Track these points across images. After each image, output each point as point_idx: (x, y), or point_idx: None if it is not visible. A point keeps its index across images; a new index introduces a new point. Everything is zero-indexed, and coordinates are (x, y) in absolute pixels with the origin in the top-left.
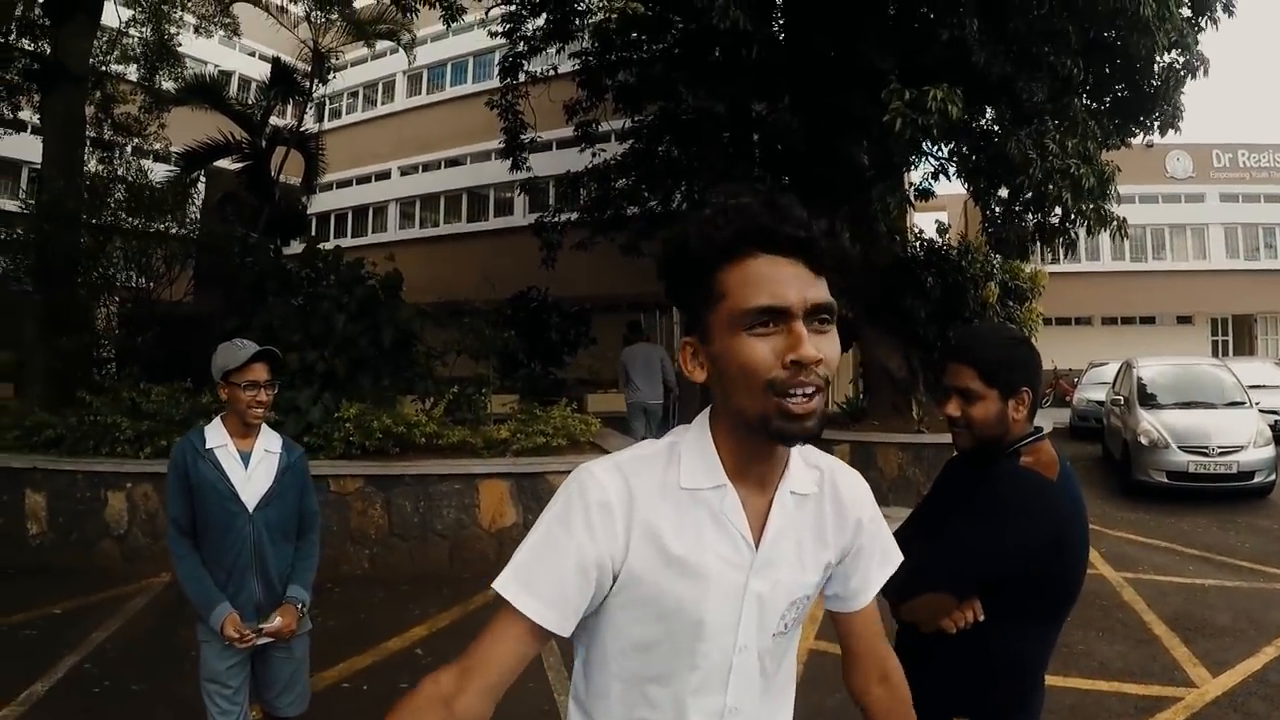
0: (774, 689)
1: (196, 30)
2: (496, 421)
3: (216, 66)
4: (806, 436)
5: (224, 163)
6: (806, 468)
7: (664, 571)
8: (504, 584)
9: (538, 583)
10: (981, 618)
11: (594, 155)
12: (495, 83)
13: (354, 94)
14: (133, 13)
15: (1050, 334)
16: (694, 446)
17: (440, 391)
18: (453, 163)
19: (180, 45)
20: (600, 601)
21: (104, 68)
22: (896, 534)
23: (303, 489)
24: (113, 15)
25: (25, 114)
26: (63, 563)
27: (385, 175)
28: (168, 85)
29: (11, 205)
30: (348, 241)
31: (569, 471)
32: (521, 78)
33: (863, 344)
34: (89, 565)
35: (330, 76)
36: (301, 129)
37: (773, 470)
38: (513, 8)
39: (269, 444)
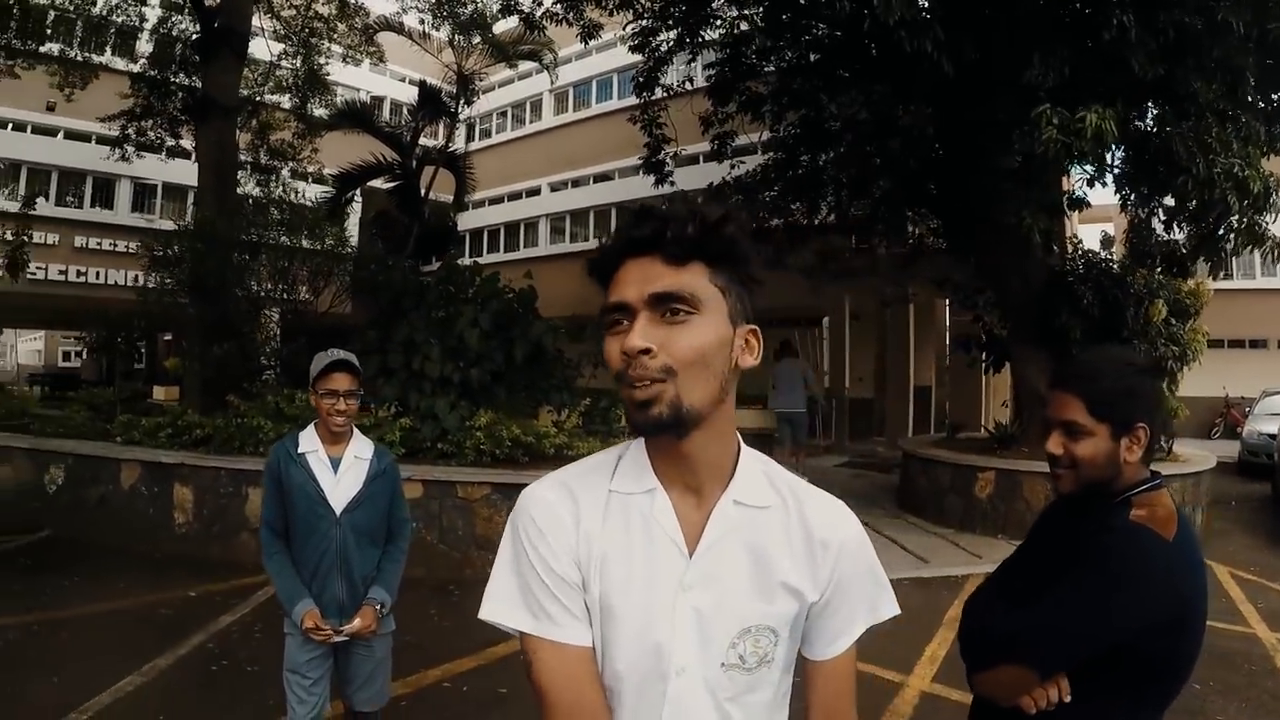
0: None
1: (344, 59)
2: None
3: (368, 93)
4: (651, 425)
5: (377, 182)
6: (764, 484)
7: (600, 576)
8: (504, 613)
9: (535, 603)
10: (1067, 699)
11: (732, 167)
12: (637, 99)
13: (503, 114)
14: (283, 47)
15: (1221, 357)
16: (633, 453)
17: (574, 404)
18: (601, 178)
19: (329, 74)
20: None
21: (258, 98)
22: (981, 588)
23: (392, 495)
24: (265, 49)
25: (186, 142)
26: (203, 552)
27: (536, 192)
28: (320, 112)
29: (170, 225)
30: (500, 257)
31: None
32: (658, 92)
33: (1014, 365)
34: (226, 555)
35: (476, 97)
36: (450, 149)
37: (704, 476)
38: (645, 23)
39: (359, 450)
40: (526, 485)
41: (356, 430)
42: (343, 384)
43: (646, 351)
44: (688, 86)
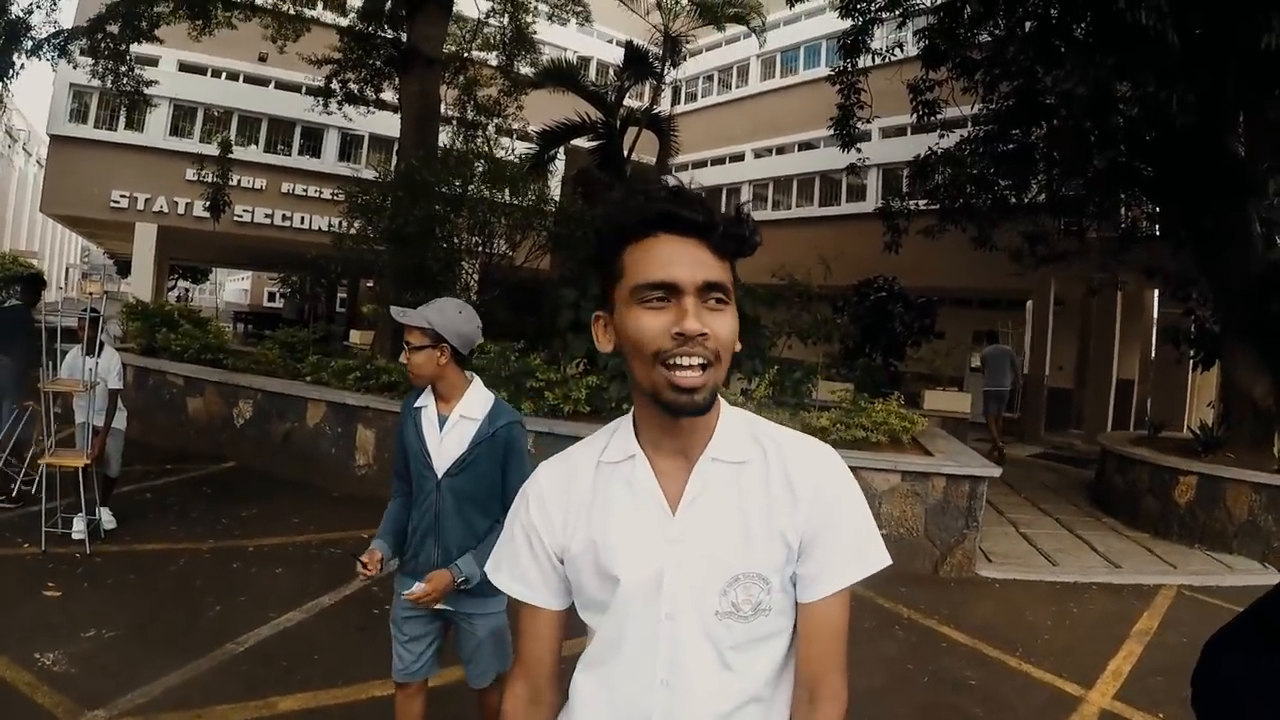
0: (759, 695)
1: (550, 18)
2: (821, 409)
3: (575, 52)
4: (693, 409)
5: (580, 141)
6: (746, 440)
7: (589, 541)
8: (494, 571)
9: (509, 565)
10: None
11: (941, 137)
12: (842, 63)
13: (709, 78)
14: (491, 4)
15: None
16: (623, 425)
17: (764, 372)
18: (806, 146)
19: (535, 32)
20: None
21: (466, 54)
22: (1228, 629)
23: (505, 462)
24: (474, 6)
25: (389, 96)
26: (380, 494)
27: (739, 157)
28: (525, 70)
29: (369, 174)
30: None
31: (886, 470)
32: (863, 60)
33: (1224, 363)
34: None
35: (682, 59)
36: (654, 110)
37: (693, 439)
38: None
39: (469, 410)
40: None
41: (475, 387)
42: (415, 339)
43: (703, 335)
44: (895, 54)
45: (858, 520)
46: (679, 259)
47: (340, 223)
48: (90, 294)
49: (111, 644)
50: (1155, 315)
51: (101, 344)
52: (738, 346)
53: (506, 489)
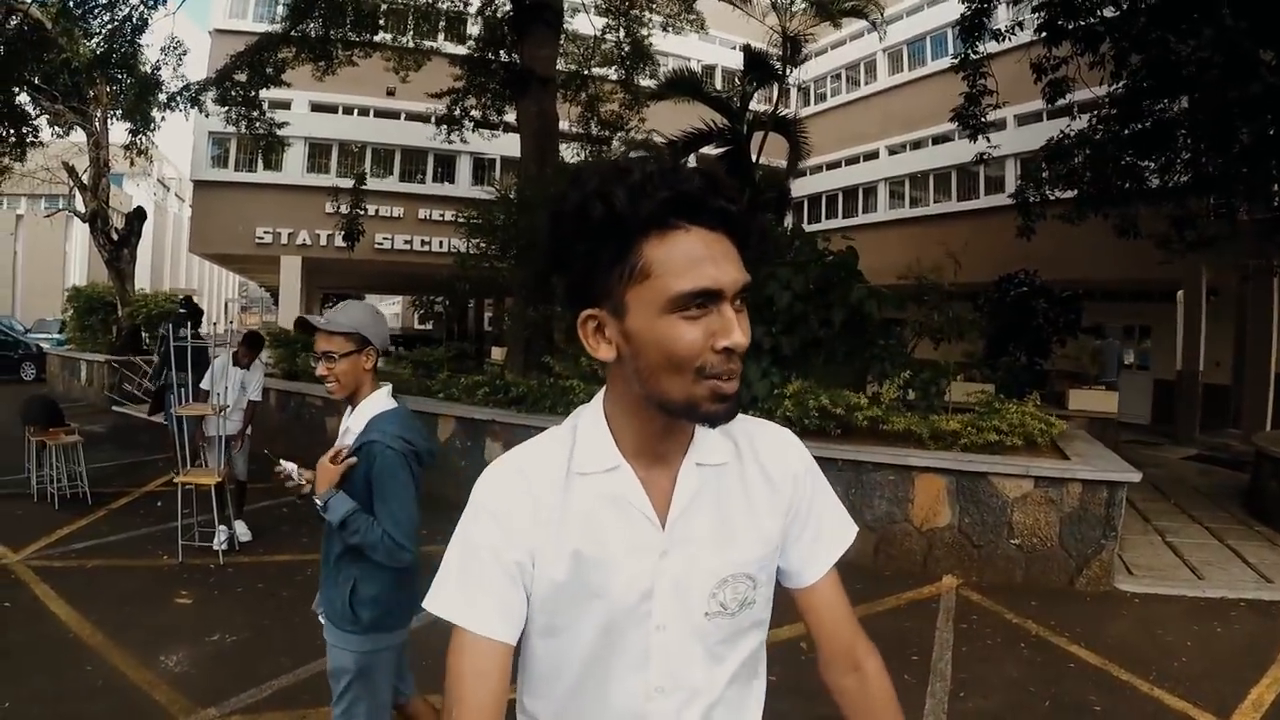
0: (737, 673)
1: (664, 29)
2: (956, 412)
3: (699, 61)
4: (728, 416)
5: (708, 150)
6: (720, 438)
7: (570, 561)
8: (440, 604)
9: (473, 595)
10: None
11: (1072, 119)
12: (963, 45)
13: (836, 76)
14: (606, 21)
15: None
16: (589, 429)
17: (895, 375)
18: (940, 139)
19: (653, 45)
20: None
21: (585, 72)
22: None
23: (368, 486)
24: (589, 25)
25: (510, 117)
26: None
27: (873, 155)
28: (646, 82)
29: (484, 194)
30: (839, 222)
31: (1016, 476)
32: (984, 43)
33: None
34: None
35: (805, 59)
36: (780, 113)
37: (677, 447)
38: None
39: (357, 420)
40: (834, 459)
41: (376, 396)
42: (332, 347)
43: (745, 347)
44: (1017, 33)
45: (831, 497)
46: (718, 260)
47: (464, 244)
48: (250, 325)
49: (232, 648)
50: None
51: (255, 361)
52: None
53: (377, 514)
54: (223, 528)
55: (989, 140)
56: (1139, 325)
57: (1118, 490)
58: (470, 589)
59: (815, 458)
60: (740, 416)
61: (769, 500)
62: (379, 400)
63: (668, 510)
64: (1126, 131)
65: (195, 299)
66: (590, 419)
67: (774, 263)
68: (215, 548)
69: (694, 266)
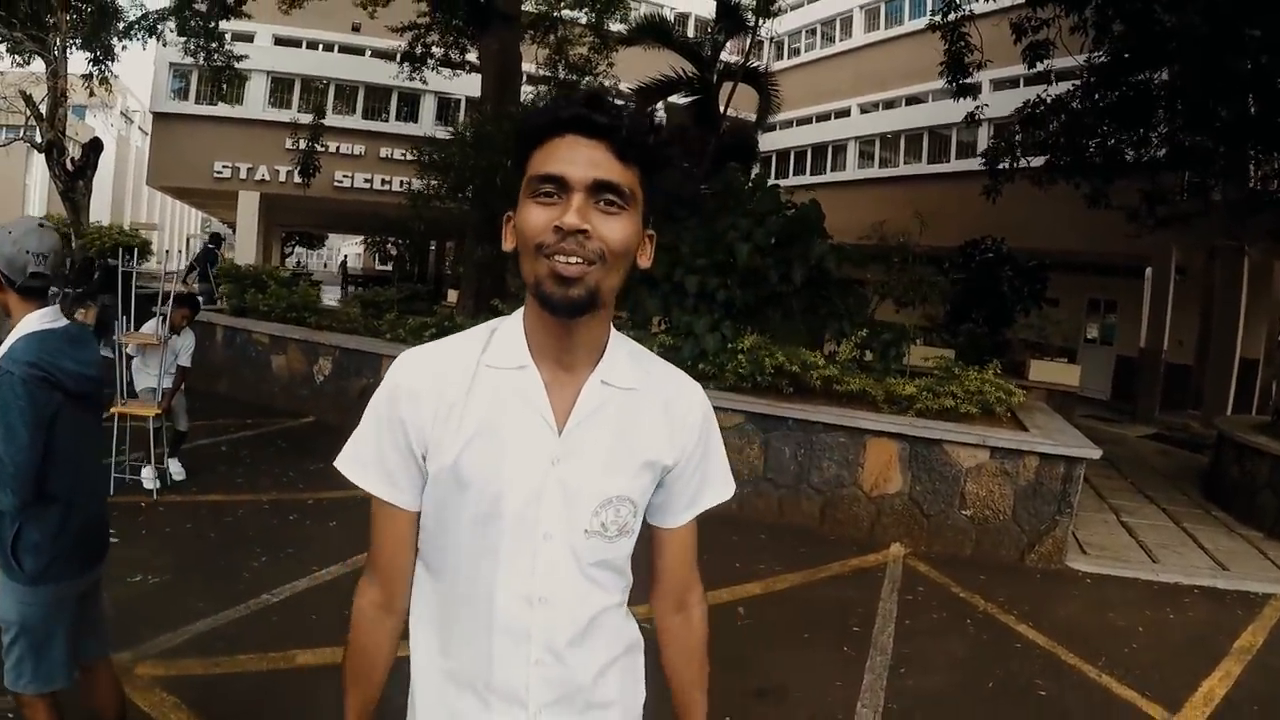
0: (608, 602)
1: None
2: (913, 376)
3: (672, 9)
4: (569, 305)
5: (676, 99)
6: (631, 365)
7: (465, 448)
8: (343, 462)
9: (370, 462)
10: None
11: (1048, 85)
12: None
13: (811, 31)
14: None
15: None
16: (508, 328)
17: (851, 334)
18: (913, 100)
19: None
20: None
21: (556, 14)
22: None
23: None
24: None
25: (473, 57)
26: None
27: (845, 113)
28: (618, 27)
29: (445, 134)
30: (807, 179)
31: (972, 445)
32: (963, 3)
33: None
34: None
35: (778, 10)
36: (751, 64)
37: (580, 356)
38: None
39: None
40: (784, 419)
41: (22, 324)
42: None
43: (583, 232)
44: None
45: (721, 453)
46: (576, 157)
47: (415, 182)
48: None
49: (153, 590)
50: None
51: (186, 327)
52: (647, 259)
53: None
54: (153, 465)
55: (975, 100)
56: (1104, 299)
57: (1076, 466)
58: (382, 460)
59: (766, 415)
60: (656, 358)
61: (665, 435)
62: (27, 324)
63: (567, 420)
64: (1104, 101)
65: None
66: (510, 320)
67: (734, 213)
68: (148, 486)
69: (549, 159)
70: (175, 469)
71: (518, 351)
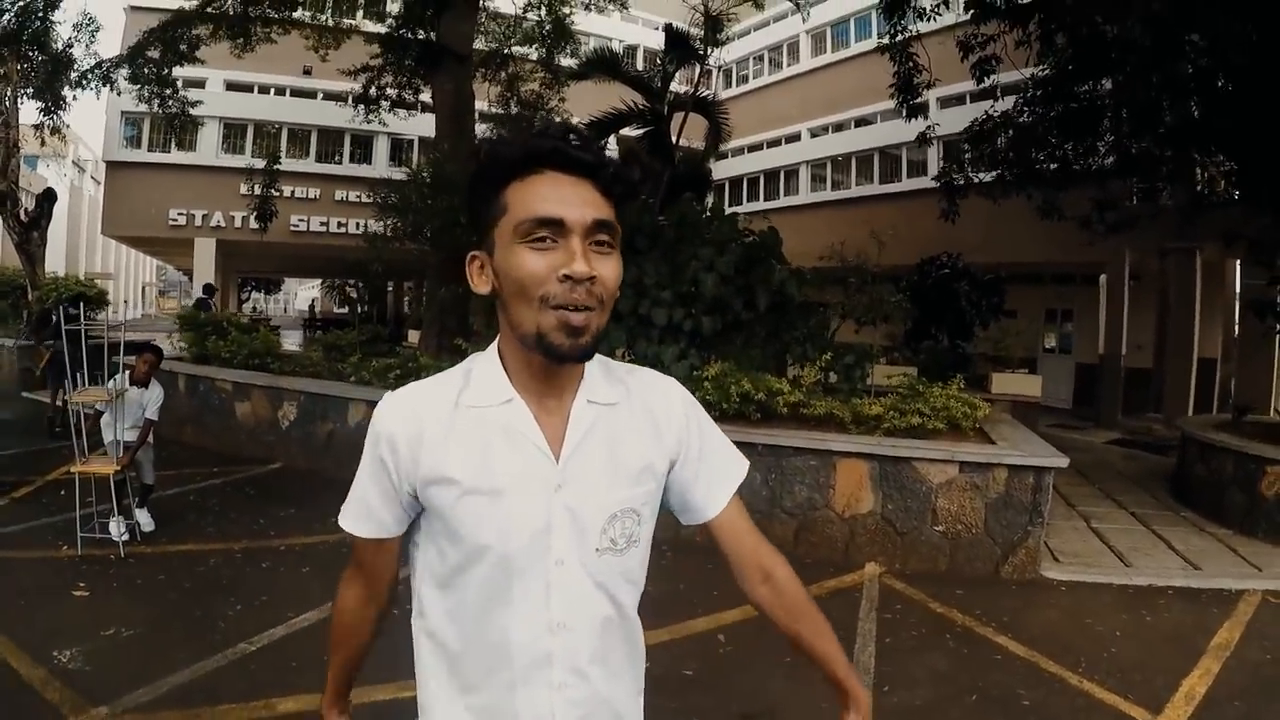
0: (625, 611)
1: (586, 7)
2: (877, 395)
3: (621, 41)
4: (579, 353)
5: (628, 131)
6: (609, 382)
7: (459, 498)
8: (343, 520)
9: (363, 516)
10: None
11: (995, 101)
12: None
13: (759, 58)
14: None
15: None
16: (484, 366)
17: (814, 357)
18: (862, 122)
19: (575, 24)
20: (416, 519)
21: (506, 50)
22: None
23: None
24: (510, 3)
25: (426, 97)
26: None
27: (795, 138)
28: (568, 62)
29: (400, 175)
30: (760, 205)
31: (941, 461)
32: (910, 22)
33: None
34: None
35: (724, 39)
36: (701, 94)
37: (566, 384)
38: None
39: None
40: (753, 445)
41: None
42: None
43: (593, 279)
44: (941, 12)
45: (718, 436)
46: (568, 197)
47: (371, 225)
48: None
49: (128, 643)
50: (1238, 287)
51: (152, 380)
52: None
53: None
54: (120, 518)
55: (926, 119)
56: (1061, 309)
57: (1044, 475)
58: (369, 509)
59: (736, 443)
60: (627, 365)
61: (655, 439)
62: None
63: (560, 446)
64: (1052, 113)
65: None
66: (485, 359)
67: (694, 243)
68: (116, 539)
69: (539, 200)
70: (144, 520)
71: (500, 387)
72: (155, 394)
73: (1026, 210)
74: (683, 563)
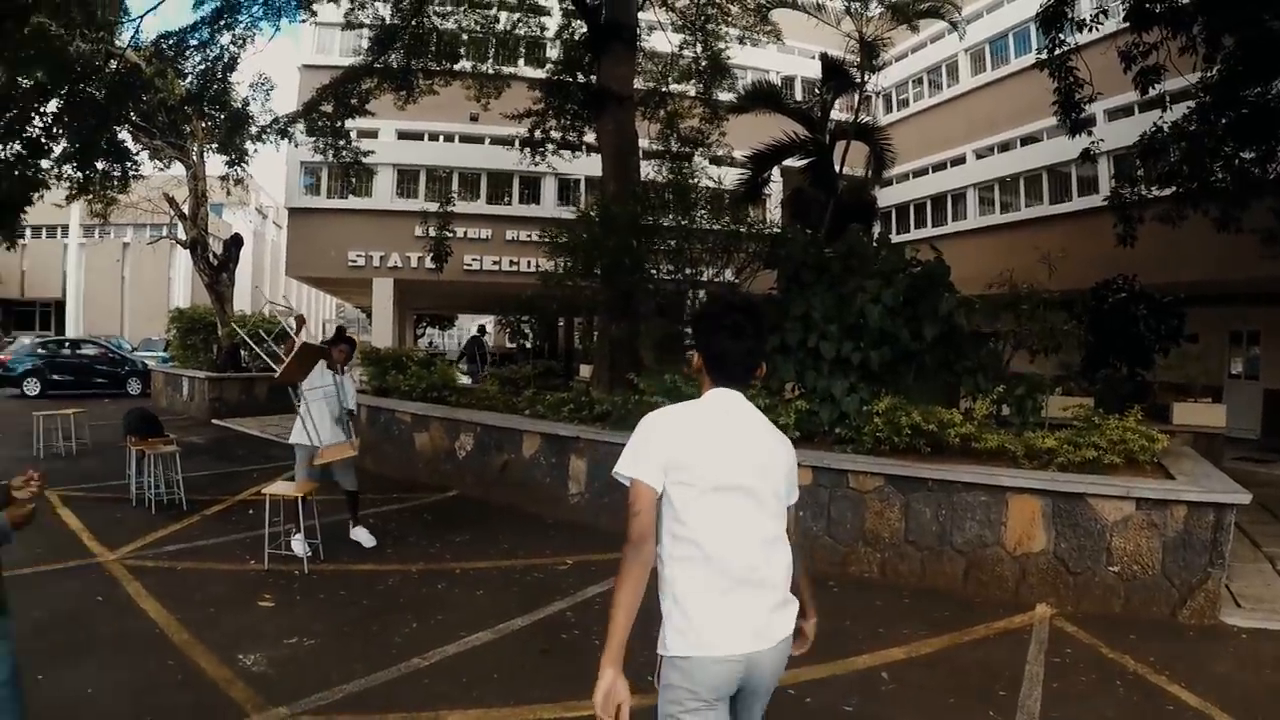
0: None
1: (740, 42)
2: (1053, 428)
3: (778, 73)
4: None
5: (791, 162)
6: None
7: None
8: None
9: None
10: None
11: (1164, 111)
12: (1044, 37)
13: (918, 81)
14: (683, 36)
15: None
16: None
17: (989, 390)
18: (1028, 140)
19: (731, 59)
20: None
21: (664, 89)
22: None
23: None
24: (666, 43)
25: (590, 138)
26: (591, 521)
27: (960, 160)
28: (726, 96)
29: (569, 214)
30: (928, 231)
31: (1117, 497)
32: (1067, 36)
33: None
34: (613, 526)
35: (882, 64)
36: (861, 121)
37: None
38: None
39: None
40: (924, 480)
41: None
42: None
43: None
44: (1103, 20)
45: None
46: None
47: (549, 263)
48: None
49: (309, 650)
50: None
51: (345, 370)
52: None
53: None
54: (300, 537)
55: (1091, 135)
56: (1247, 330)
57: (1225, 513)
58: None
59: (905, 477)
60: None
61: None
62: None
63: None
64: (1224, 120)
65: (486, 329)
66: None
67: (861, 275)
68: (300, 555)
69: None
70: (365, 538)
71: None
72: (351, 387)
73: (1204, 225)
74: (849, 598)
